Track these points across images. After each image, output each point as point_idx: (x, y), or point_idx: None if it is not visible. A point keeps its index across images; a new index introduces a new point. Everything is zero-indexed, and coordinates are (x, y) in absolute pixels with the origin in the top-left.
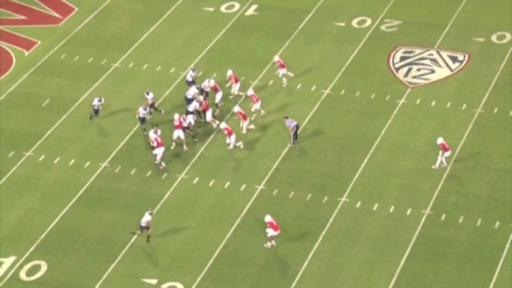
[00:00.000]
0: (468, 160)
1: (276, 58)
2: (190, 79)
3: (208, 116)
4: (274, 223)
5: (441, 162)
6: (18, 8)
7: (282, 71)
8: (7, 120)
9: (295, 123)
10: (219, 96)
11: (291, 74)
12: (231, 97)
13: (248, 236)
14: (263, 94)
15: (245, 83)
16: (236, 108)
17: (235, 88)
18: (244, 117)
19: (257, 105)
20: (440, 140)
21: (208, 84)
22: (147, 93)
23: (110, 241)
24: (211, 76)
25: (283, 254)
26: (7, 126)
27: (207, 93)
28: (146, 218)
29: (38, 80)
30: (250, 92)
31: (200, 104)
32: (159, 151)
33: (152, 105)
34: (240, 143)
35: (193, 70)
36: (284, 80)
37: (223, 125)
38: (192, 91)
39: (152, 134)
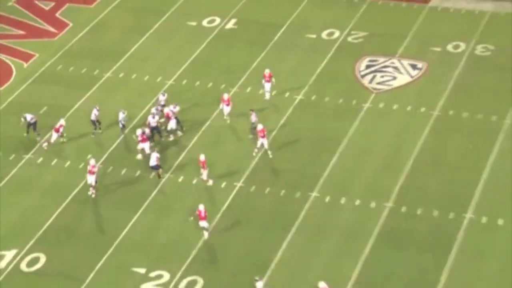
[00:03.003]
0: (427, 158)
1: (267, 71)
2: (162, 103)
3: (172, 125)
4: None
5: None
6: (17, 23)
7: (268, 84)
8: (9, 126)
9: (256, 119)
10: (171, 123)
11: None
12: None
13: (228, 228)
14: (241, 100)
15: (225, 90)
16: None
17: (226, 111)
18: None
19: (228, 109)
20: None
21: (174, 109)
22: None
23: (102, 235)
24: (194, 84)
25: (260, 244)
26: (9, 132)
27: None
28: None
29: (36, 89)
30: (226, 96)
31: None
32: (145, 145)
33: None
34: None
35: (163, 94)
36: (269, 91)
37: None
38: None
39: (139, 131)
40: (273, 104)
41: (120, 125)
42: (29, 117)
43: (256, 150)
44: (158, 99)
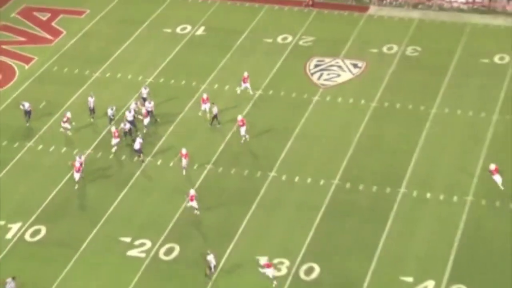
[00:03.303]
0: (367, 142)
1: (246, 74)
2: (144, 96)
3: (146, 122)
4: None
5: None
6: (19, 32)
7: (245, 85)
8: (13, 118)
9: (217, 111)
10: (146, 120)
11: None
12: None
13: (200, 204)
14: (210, 95)
15: (196, 87)
16: None
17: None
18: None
19: (206, 106)
20: None
21: (149, 104)
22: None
23: (93, 210)
24: (170, 82)
25: (226, 217)
26: (13, 123)
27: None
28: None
29: (36, 87)
30: (204, 95)
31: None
32: (117, 141)
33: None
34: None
35: (145, 88)
36: (249, 89)
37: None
38: (148, 106)
39: (113, 128)
40: (237, 98)
41: (109, 119)
42: (26, 105)
43: (243, 138)
44: (141, 92)
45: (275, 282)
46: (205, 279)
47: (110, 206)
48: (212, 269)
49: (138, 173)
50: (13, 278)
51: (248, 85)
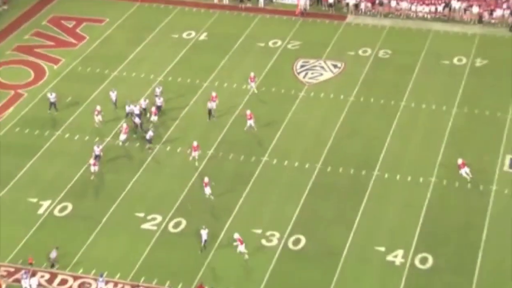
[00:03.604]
0: (345, 131)
1: (252, 74)
2: (157, 93)
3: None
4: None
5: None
6: (49, 37)
7: (252, 83)
8: (44, 111)
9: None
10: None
11: (255, 89)
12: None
13: (202, 185)
14: (211, 90)
15: (199, 85)
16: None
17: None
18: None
19: (213, 104)
20: None
21: (159, 100)
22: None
23: (113, 189)
24: (177, 80)
25: (225, 196)
26: (44, 115)
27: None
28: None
29: (63, 84)
30: (213, 94)
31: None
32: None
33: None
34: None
35: (159, 88)
36: (254, 88)
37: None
38: (159, 102)
39: (124, 125)
40: (234, 94)
41: (126, 114)
42: (52, 96)
43: (245, 129)
44: (155, 90)
45: (246, 256)
46: (201, 250)
47: (126, 186)
48: (203, 243)
49: (149, 158)
50: (56, 248)
51: (253, 84)
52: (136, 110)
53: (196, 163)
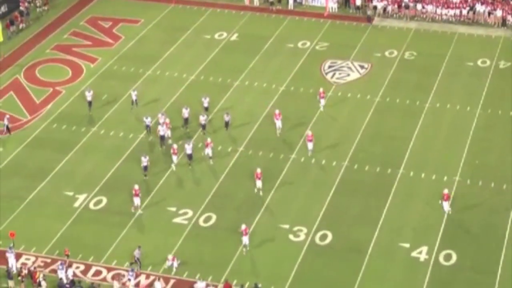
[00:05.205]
0: (371, 130)
1: (277, 111)
2: (206, 105)
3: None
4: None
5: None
6: (86, 37)
7: (278, 121)
8: (81, 108)
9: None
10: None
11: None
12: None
13: (234, 180)
14: (240, 90)
15: (230, 84)
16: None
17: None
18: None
19: (279, 123)
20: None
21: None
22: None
23: (146, 185)
24: (209, 79)
25: (253, 193)
26: (82, 112)
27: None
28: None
29: (99, 82)
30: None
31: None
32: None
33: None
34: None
35: (205, 98)
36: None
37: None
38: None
39: (175, 145)
40: (263, 93)
41: (146, 127)
42: (89, 93)
43: (278, 131)
44: (182, 112)
45: (244, 250)
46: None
47: (158, 182)
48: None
49: (180, 156)
50: (139, 247)
51: (280, 122)
52: (161, 131)
53: (211, 162)
